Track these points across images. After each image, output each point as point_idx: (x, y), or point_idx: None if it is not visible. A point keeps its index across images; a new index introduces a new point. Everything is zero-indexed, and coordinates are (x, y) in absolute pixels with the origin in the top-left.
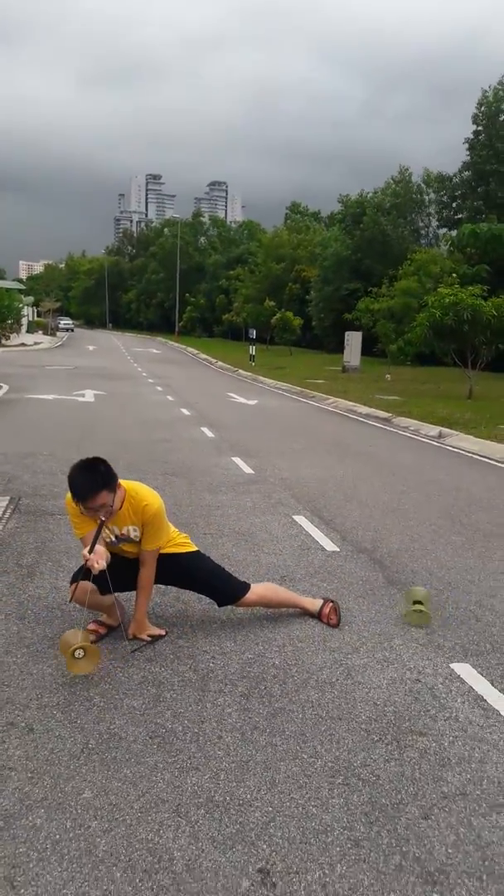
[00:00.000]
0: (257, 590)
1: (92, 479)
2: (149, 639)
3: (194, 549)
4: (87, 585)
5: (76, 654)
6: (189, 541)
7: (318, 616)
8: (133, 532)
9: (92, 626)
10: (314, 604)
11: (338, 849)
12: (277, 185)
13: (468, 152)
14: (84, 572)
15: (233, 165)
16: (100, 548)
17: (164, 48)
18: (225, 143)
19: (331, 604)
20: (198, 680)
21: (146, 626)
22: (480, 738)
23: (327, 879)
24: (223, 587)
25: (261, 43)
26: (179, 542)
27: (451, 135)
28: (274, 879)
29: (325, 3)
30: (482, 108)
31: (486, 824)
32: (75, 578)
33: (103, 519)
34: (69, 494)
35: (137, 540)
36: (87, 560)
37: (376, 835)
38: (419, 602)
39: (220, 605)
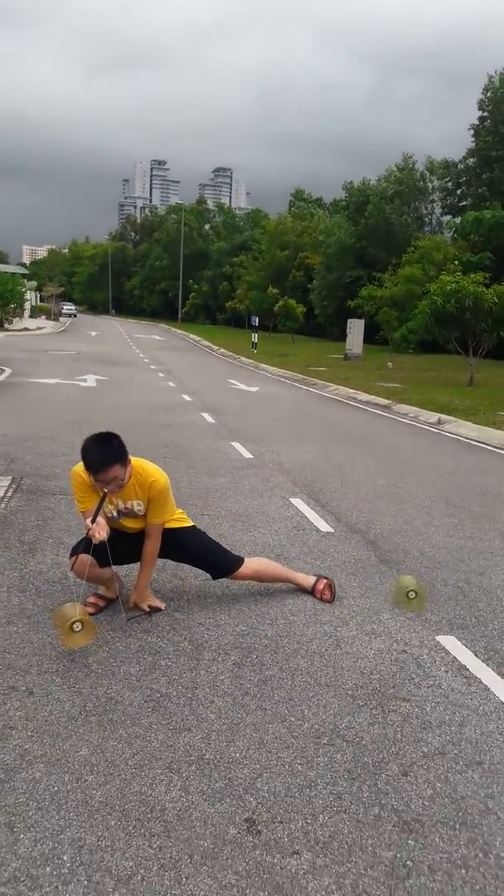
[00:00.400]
0: (251, 564)
1: (106, 453)
2: (148, 609)
3: (191, 524)
4: (86, 559)
5: (74, 627)
6: (185, 516)
7: (311, 592)
8: (137, 506)
9: (91, 600)
10: (307, 580)
11: (320, 801)
12: (282, 173)
13: (473, 139)
14: (84, 545)
15: (238, 153)
16: (101, 520)
17: (170, 36)
18: (230, 131)
19: (325, 580)
20: (192, 649)
21: (147, 597)
22: (461, 704)
23: (309, 828)
24: (218, 560)
25: (267, 31)
26: (177, 517)
27: (458, 122)
28: (259, 828)
29: None
30: (488, 94)
31: (462, 780)
32: (75, 551)
33: (106, 492)
34: (76, 468)
35: (140, 514)
36: (88, 530)
37: (357, 789)
38: (412, 590)
39: (214, 578)
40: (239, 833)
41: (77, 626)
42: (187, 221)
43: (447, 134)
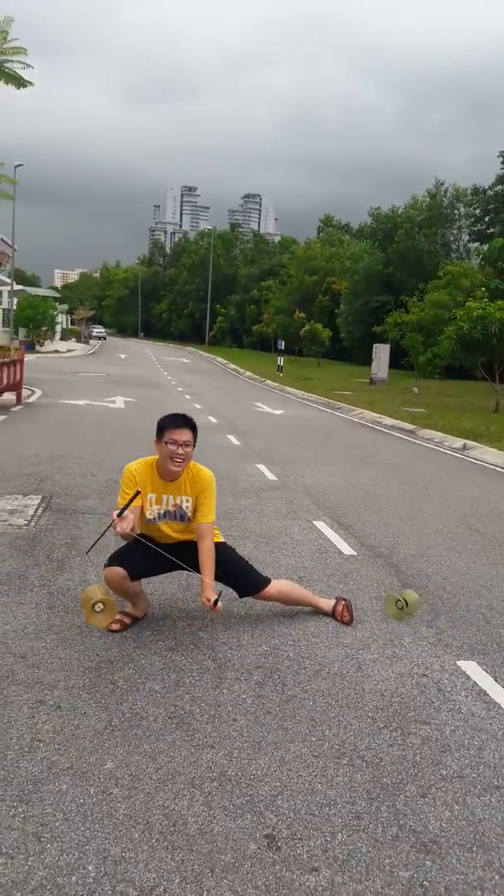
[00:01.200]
0: (277, 585)
1: (185, 419)
2: (215, 599)
3: (223, 540)
4: (118, 571)
5: (96, 607)
6: (219, 532)
7: (331, 614)
8: (185, 503)
9: (118, 617)
10: (328, 603)
11: (339, 820)
12: (311, 198)
13: (502, 165)
14: (119, 556)
15: (267, 178)
16: (129, 514)
17: (206, 65)
18: (261, 157)
19: (343, 602)
20: (216, 668)
21: (213, 591)
22: (480, 728)
23: (328, 845)
24: (246, 578)
25: (299, 58)
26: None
27: (487, 149)
28: (279, 844)
29: (362, 17)
30: None
31: (480, 803)
32: (111, 562)
33: (139, 491)
34: (130, 465)
35: (185, 516)
36: (113, 521)
37: (376, 809)
38: (400, 599)
39: (240, 596)
40: (259, 848)
41: (99, 607)
42: (215, 247)
43: (473, 160)
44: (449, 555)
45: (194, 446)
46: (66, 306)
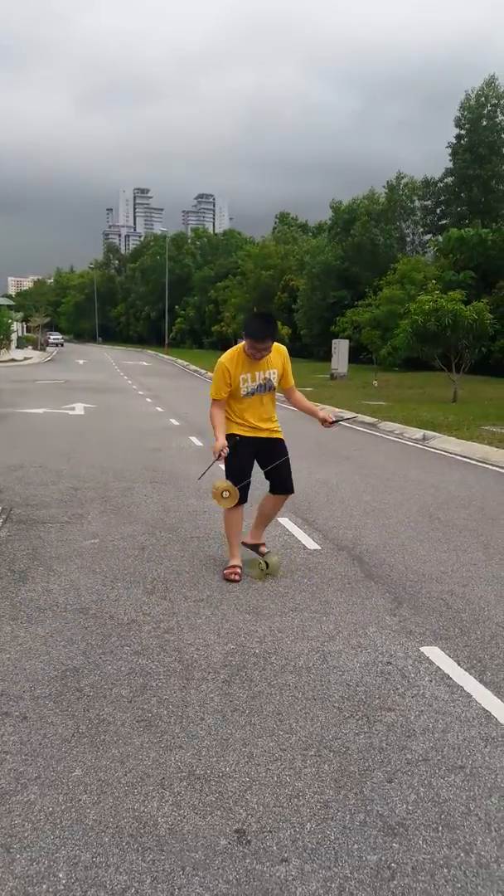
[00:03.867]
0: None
1: (267, 330)
2: (336, 419)
3: (283, 437)
4: (230, 487)
5: (224, 494)
6: (280, 430)
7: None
8: (273, 376)
9: (229, 570)
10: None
11: (308, 810)
12: (270, 198)
13: (451, 157)
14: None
15: (225, 180)
16: (222, 439)
17: (161, 67)
18: (219, 159)
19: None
20: (182, 669)
21: (328, 414)
22: (444, 712)
23: (297, 836)
24: (287, 477)
25: (256, 60)
26: (279, 429)
27: (440, 145)
28: (249, 838)
29: (318, 18)
30: (465, 113)
31: (445, 784)
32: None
33: (259, 357)
34: (223, 359)
35: (272, 385)
36: (213, 448)
37: (344, 797)
38: (262, 562)
39: (289, 492)
40: (229, 843)
41: (226, 494)
42: (170, 249)
43: (430, 154)
44: (410, 543)
45: (275, 338)
46: (20, 314)
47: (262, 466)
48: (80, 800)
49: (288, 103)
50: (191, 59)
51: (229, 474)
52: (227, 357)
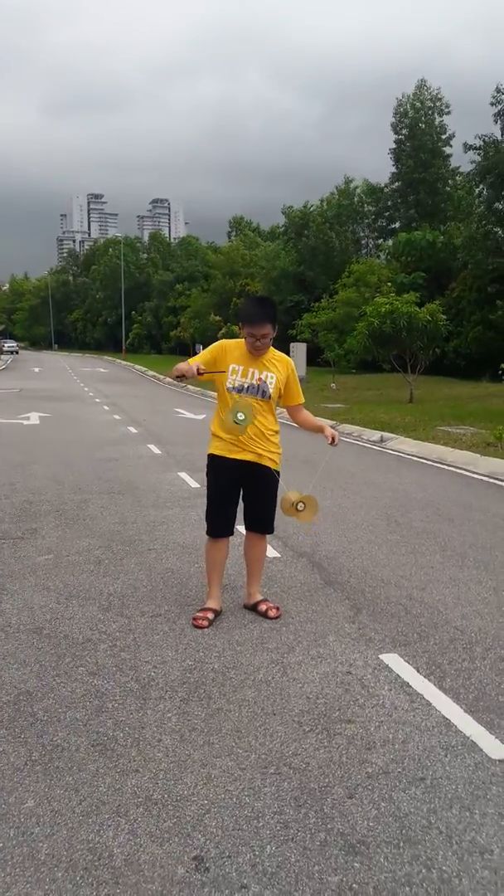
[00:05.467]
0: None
1: (265, 311)
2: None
3: (279, 469)
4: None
5: (298, 506)
6: (279, 461)
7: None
8: (270, 380)
9: (200, 614)
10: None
11: (268, 832)
12: (233, 204)
13: (394, 163)
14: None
15: (189, 187)
16: (201, 366)
17: (128, 78)
18: (183, 167)
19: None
20: (139, 689)
21: (330, 429)
22: (404, 721)
23: (257, 860)
24: (267, 516)
25: (222, 69)
26: (278, 459)
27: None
28: (207, 864)
29: (283, 28)
30: (400, 119)
31: (405, 797)
32: (215, 525)
33: (258, 346)
34: (223, 341)
35: (267, 392)
36: (181, 370)
37: (304, 816)
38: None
39: (265, 533)
40: (187, 872)
41: (301, 506)
42: (125, 256)
43: (389, 161)
44: (369, 548)
45: (275, 328)
46: None
47: (244, 497)
48: (32, 833)
49: (253, 111)
50: (158, 68)
51: (209, 502)
52: (228, 340)
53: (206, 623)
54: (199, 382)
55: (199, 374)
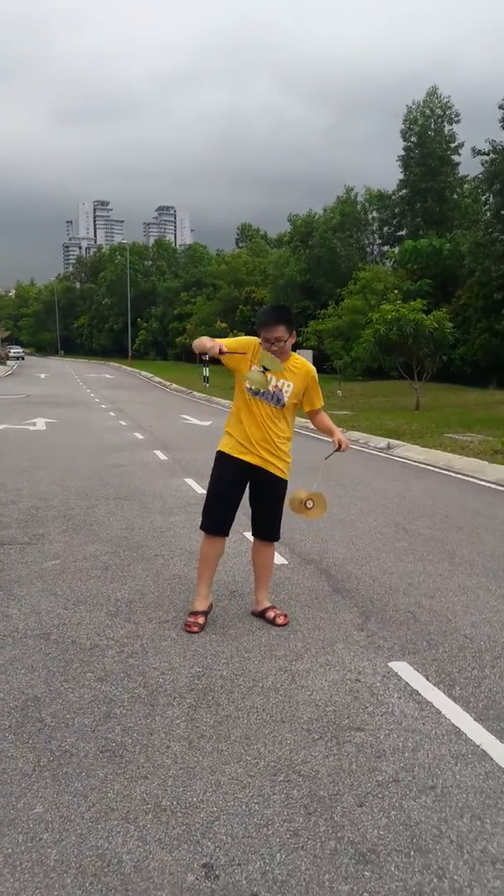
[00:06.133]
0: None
1: (277, 314)
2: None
3: (287, 478)
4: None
5: (307, 504)
6: (287, 471)
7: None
8: (286, 387)
9: (191, 619)
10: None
11: (277, 840)
12: (240, 212)
13: (403, 171)
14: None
15: (196, 195)
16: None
17: (138, 85)
18: (190, 174)
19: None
20: (147, 695)
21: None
22: (414, 729)
23: (267, 868)
24: (274, 522)
25: (230, 78)
26: (286, 468)
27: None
28: (217, 872)
29: (291, 37)
30: (409, 126)
31: (416, 806)
32: (209, 521)
33: (274, 350)
34: (256, 339)
35: (282, 400)
36: (207, 347)
37: (314, 824)
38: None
39: (270, 540)
40: (197, 879)
41: (310, 504)
42: (132, 263)
43: (396, 168)
44: (377, 555)
45: (291, 331)
46: None
47: (250, 501)
48: (41, 839)
49: (260, 119)
50: (165, 77)
51: (208, 498)
52: (249, 338)
53: (197, 629)
54: (203, 388)
55: (220, 353)
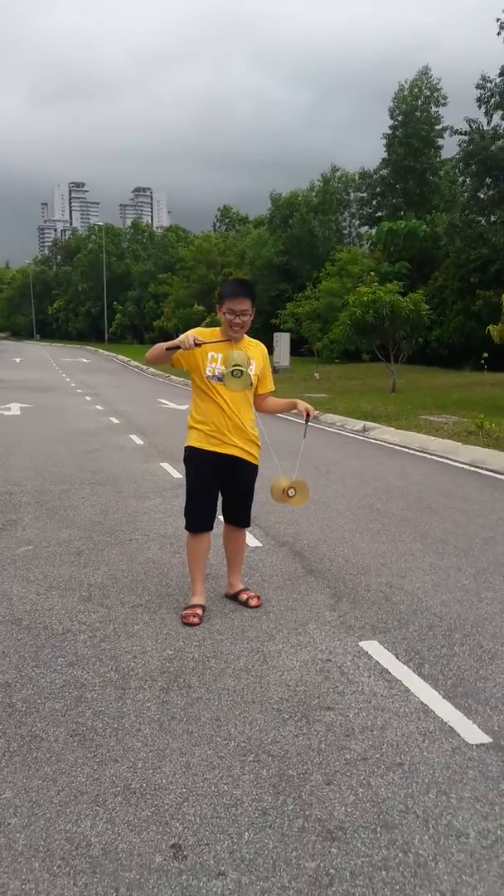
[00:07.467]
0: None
1: (245, 286)
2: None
3: (258, 462)
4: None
5: (289, 492)
6: (258, 455)
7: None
8: (250, 368)
9: (189, 611)
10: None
11: (246, 819)
12: (218, 193)
13: (386, 149)
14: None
15: (175, 176)
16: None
17: (114, 65)
18: (169, 156)
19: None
20: (119, 679)
21: (309, 406)
22: (383, 708)
23: (235, 847)
24: (244, 510)
25: (210, 59)
26: (259, 451)
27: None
28: (185, 852)
29: (272, 18)
30: (399, 104)
31: (383, 783)
32: (193, 519)
33: (237, 328)
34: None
35: (249, 378)
36: (183, 342)
37: (282, 803)
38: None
39: (243, 526)
40: (165, 860)
41: (291, 492)
42: (107, 246)
43: (375, 148)
44: (350, 536)
45: (254, 306)
46: None
47: (222, 489)
48: (10, 824)
49: (241, 100)
50: (144, 57)
51: (188, 499)
52: (202, 328)
53: (197, 620)
54: (181, 372)
55: (196, 344)
